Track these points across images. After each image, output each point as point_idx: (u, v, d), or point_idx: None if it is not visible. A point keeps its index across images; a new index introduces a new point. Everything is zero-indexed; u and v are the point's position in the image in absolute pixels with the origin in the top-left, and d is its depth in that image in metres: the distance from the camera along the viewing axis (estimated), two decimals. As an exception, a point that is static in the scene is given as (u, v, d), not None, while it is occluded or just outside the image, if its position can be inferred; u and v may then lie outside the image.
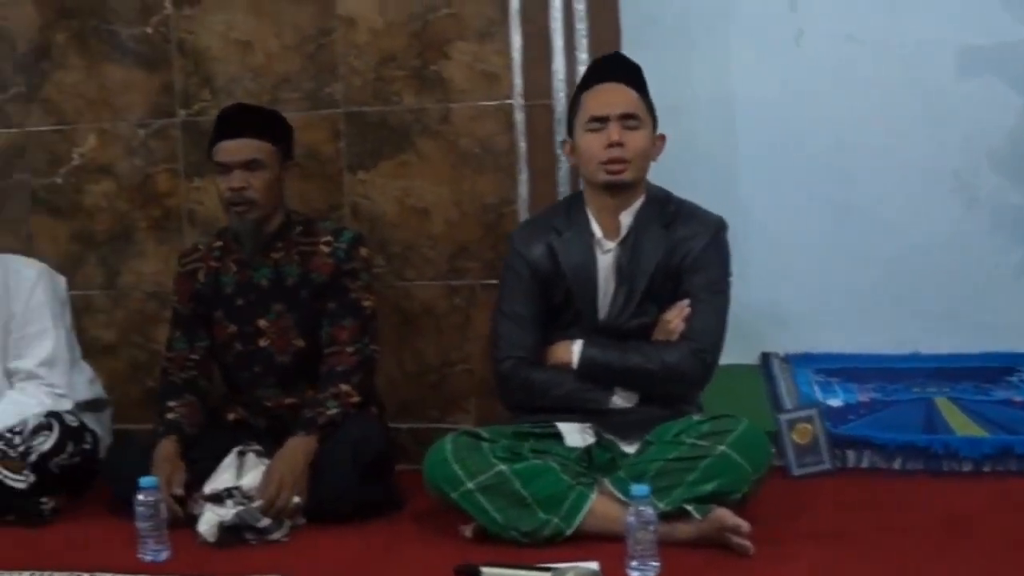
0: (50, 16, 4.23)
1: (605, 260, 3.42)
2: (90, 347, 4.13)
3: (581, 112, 3.41)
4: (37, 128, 4.28)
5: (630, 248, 3.38)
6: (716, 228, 3.42)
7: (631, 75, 3.43)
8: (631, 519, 2.85)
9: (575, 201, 3.52)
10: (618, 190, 3.38)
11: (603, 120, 3.35)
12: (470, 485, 3.16)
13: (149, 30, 4.14)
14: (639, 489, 2.88)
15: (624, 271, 3.38)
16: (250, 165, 3.55)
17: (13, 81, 4.28)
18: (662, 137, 3.46)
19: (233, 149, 3.56)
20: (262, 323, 3.68)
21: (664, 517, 2.98)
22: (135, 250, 4.25)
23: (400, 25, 3.94)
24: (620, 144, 3.33)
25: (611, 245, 3.41)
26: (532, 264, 3.45)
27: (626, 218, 3.40)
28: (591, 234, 3.42)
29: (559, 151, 3.79)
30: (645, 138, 3.38)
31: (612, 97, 3.38)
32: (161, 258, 4.21)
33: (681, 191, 3.52)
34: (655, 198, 3.44)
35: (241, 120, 3.62)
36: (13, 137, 4.30)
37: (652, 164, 3.45)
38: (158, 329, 4.21)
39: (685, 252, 3.37)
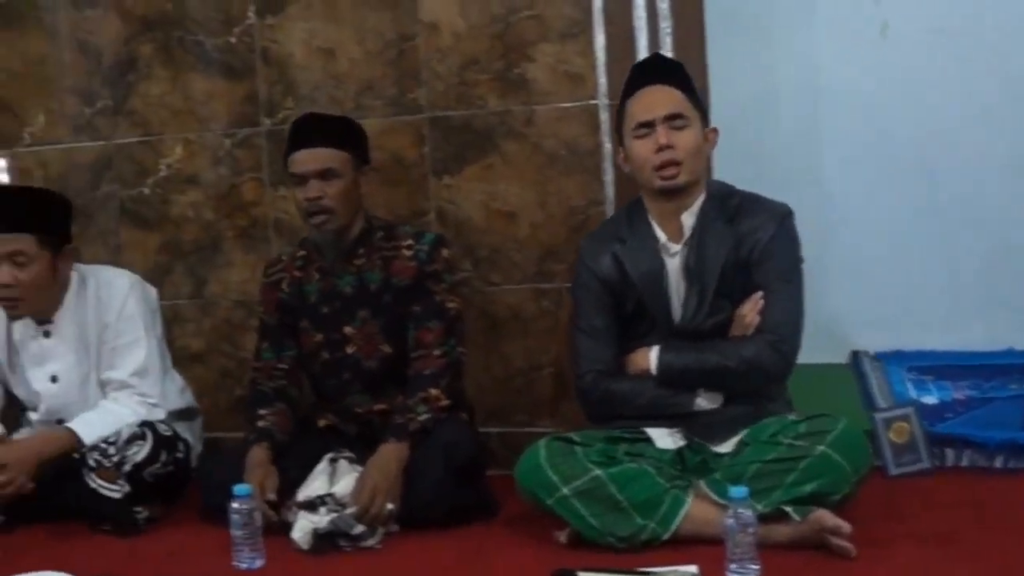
0: (135, 29, 4.27)
1: (673, 263, 3.37)
2: (179, 356, 4.16)
3: (627, 119, 3.37)
4: (124, 140, 4.32)
5: (696, 248, 3.33)
6: (782, 216, 3.35)
7: (673, 74, 3.38)
8: (730, 522, 2.81)
9: (636, 208, 3.46)
10: (675, 193, 3.33)
11: (649, 124, 3.30)
12: (565, 490, 3.13)
13: (233, 40, 4.16)
14: (737, 491, 2.84)
15: (693, 272, 3.33)
16: (325, 174, 3.55)
17: (100, 94, 4.33)
18: (714, 131, 3.41)
19: (307, 159, 3.56)
20: (348, 330, 3.68)
21: (762, 519, 2.93)
22: (222, 259, 4.28)
23: (482, 28, 3.93)
24: (670, 146, 3.27)
25: (676, 248, 3.36)
26: (600, 276, 3.42)
27: (688, 219, 3.35)
28: (655, 239, 3.37)
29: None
30: (695, 136, 3.32)
31: (655, 99, 3.33)
32: (248, 267, 4.23)
33: (764, 186, 3.45)
34: (716, 194, 3.38)
35: (313, 129, 3.62)
36: (101, 149, 4.35)
37: (716, 157, 3.44)
38: (246, 337, 4.24)
39: (752, 244, 3.31)
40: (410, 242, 3.65)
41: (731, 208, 3.36)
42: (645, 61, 3.52)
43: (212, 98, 4.22)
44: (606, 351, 3.42)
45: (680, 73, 3.39)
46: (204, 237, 4.29)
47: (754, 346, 3.26)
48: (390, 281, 3.64)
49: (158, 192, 4.31)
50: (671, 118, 3.29)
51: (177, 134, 4.27)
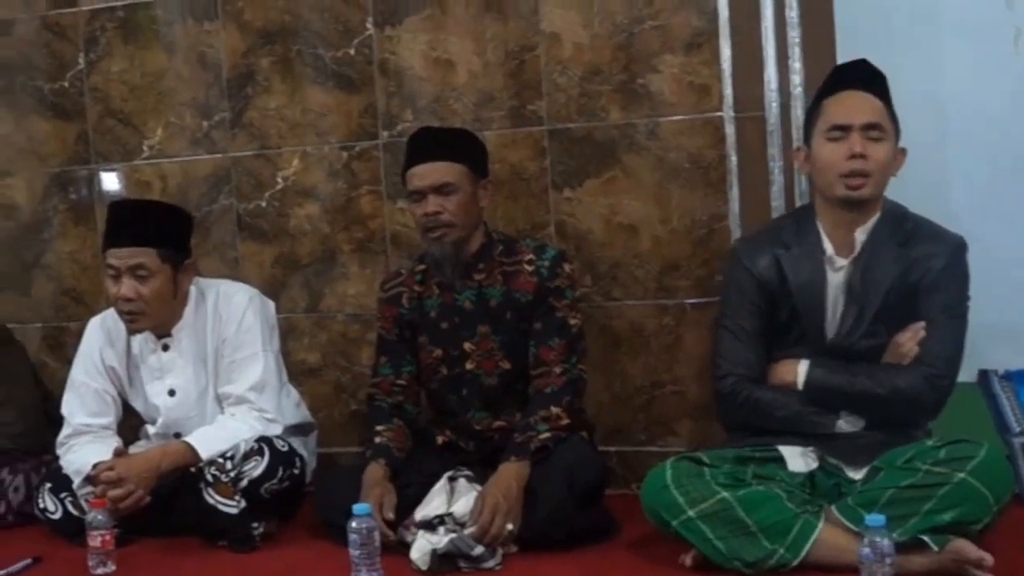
0: (253, 42, 4.27)
1: (835, 278, 3.26)
2: (294, 370, 4.14)
3: (821, 119, 3.25)
4: (242, 153, 4.32)
5: (863, 266, 3.22)
6: (956, 247, 3.23)
7: (877, 83, 3.27)
8: (866, 551, 2.70)
9: (805, 214, 3.36)
10: (854, 205, 3.22)
11: (845, 129, 3.19)
12: (691, 513, 3.04)
13: (351, 52, 4.14)
14: (874, 519, 2.73)
15: (856, 290, 3.22)
16: (442, 189, 3.50)
17: (218, 107, 4.34)
18: (903, 151, 3.28)
19: (424, 174, 3.52)
20: (467, 346, 3.62)
21: (897, 548, 2.81)
22: (338, 273, 4.25)
23: (605, 39, 3.87)
24: (862, 156, 3.16)
25: (843, 262, 3.25)
26: (757, 278, 3.31)
27: (861, 235, 3.23)
28: (822, 250, 3.26)
29: (773, 163, 3.67)
30: (888, 151, 3.21)
31: (857, 105, 3.22)
32: (364, 280, 4.20)
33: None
34: (891, 214, 3.27)
35: (430, 143, 3.58)
36: (218, 162, 4.35)
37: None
38: (361, 351, 4.21)
39: (923, 272, 3.19)
40: (531, 257, 3.59)
41: (904, 231, 3.25)
42: (851, 63, 3.38)
43: (330, 111, 4.20)
44: (750, 354, 3.32)
45: (883, 84, 3.29)
46: (320, 250, 4.27)
47: (910, 377, 3.16)
48: (511, 297, 3.58)
49: (275, 205, 4.29)
50: (869, 127, 3.19)
51: (294, 147, 4.25)
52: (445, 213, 3.50)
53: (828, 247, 3.26)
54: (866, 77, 3.28)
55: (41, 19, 4.57)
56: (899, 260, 3.20)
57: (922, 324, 3.18)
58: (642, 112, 3.86)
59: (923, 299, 3.20)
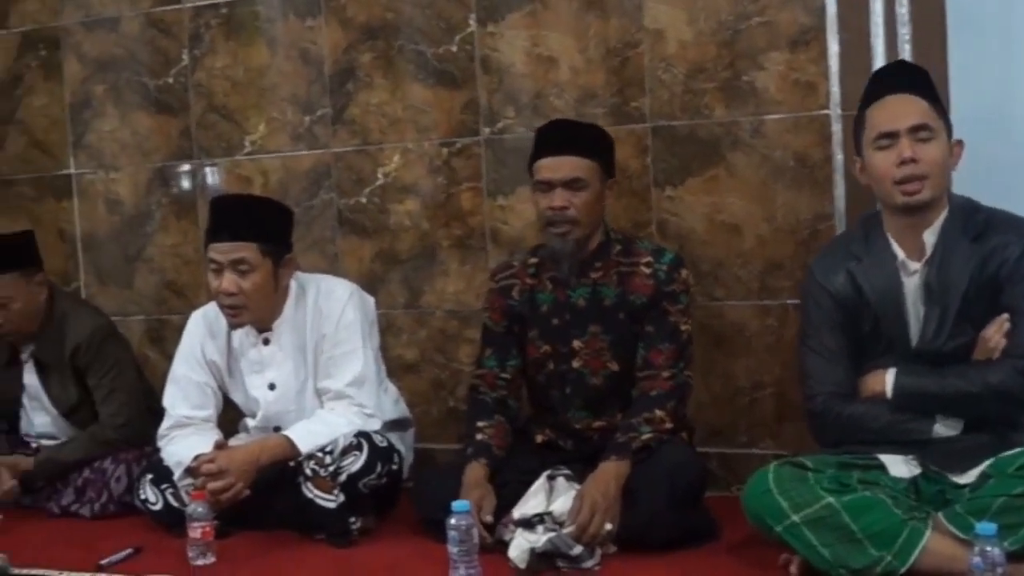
0: (355, 38, 4.28)
1: (911, 283, 3.17)
2: (392, 366, 4.13)
3: (867, 129, 3.17)
4: (342, 149, 4.33)
5: (937, 267, 3.12)
6: None
7: (918, 83, 3.18)
8: (976, 560, 2.62)
9: (872, 223, 3.27)
10: (917, 209, 3.13)
11: (892, 135, 3.10)
12: (795, 518, 2.98)
13: (453, 48, 4.13)
14: (985, 527, 2.64)
15: (934, 292, 3.14)
16: (572, 184, 3.47)
17: (320, 103, 4.35)
18: (959, 144, 3.18)
19: (556, 167, 3.48)
20: (576, 344, 3.59)
21: (1008, 557, 2.73)
22: (438, 269, 4.25)
23: (710, 35, 3.82)
24: (914, 160, 3.07)
25: (916, 266, 3.16)
26: (834, 294, 3.24)
27: (930, 236, 3.14)
28: (893, 256, 3.18)
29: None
30: (940, 149, 3.11)
31: (900, 109, 3.13)
32: (463, 277, 4.20)
33: (1002, 201, 3.24)
34: (960, 209, 3.17)
35: (564, 136, 3.54)
36: (320, 158, 4.37)
37: (954, 173, 3.21)
38: (460, 348, 4.22)
39: (1000, 262, 3.09)
40: (649, 259, 3.56)
41: (976, 225, 3.15)
42: (888, 67, 3.34)
43: (431, 107, 4.20)
44: (837, 372, 3.24)
45: (926, 81, 3.19)
46: (420, 246, 4.27)
47: (1000, 371, 3.05)
48: (626, 298, 3.55)
49: (375, 201, 4.30)
50: (916, 129, 3.10)
51: (395, 143, 4.26)
52: (572, 209, 3.47)
53: (899, 253, 3.18)
54: (906, 78, 3.19)
55: (146, 16, 4.62)
56: (973, 255, 3.10)
57: (1006, 316, 3.08)
58: (746, 110, 3.80)
59: (1005, 290, 3.09)
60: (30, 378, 4.26)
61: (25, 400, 4.30)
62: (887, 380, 3.15)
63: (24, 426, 4.35)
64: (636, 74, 3.92)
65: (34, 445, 4.29)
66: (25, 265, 4.14)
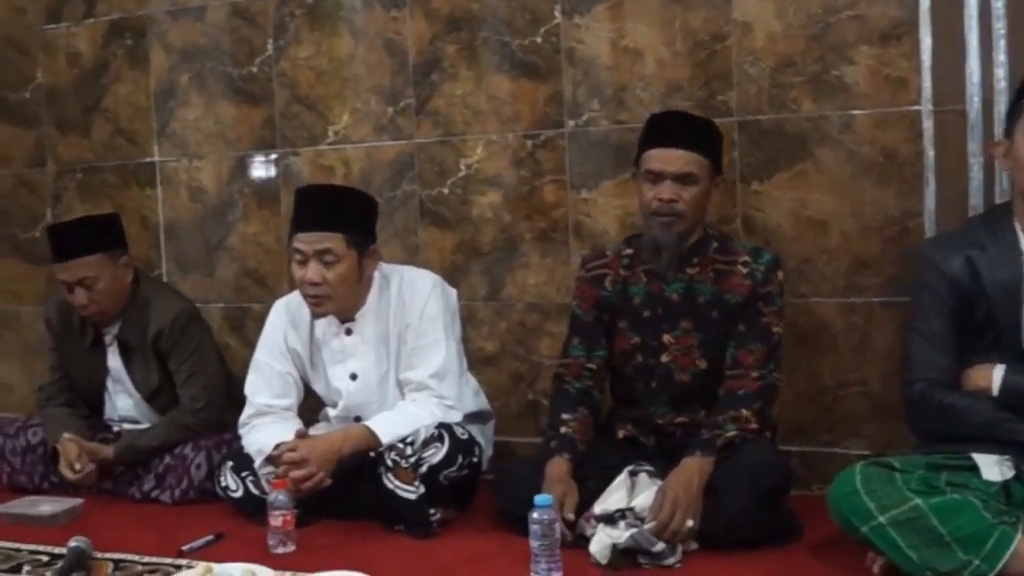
0: (440, 28, 4.27)
1: None
2: (472, 358, 4.13)
3: None
4: (426, 140, 4.32)
5: None
6: None
7: None
8: (1068, 567, 2.58)
9: (1000, 214, 3.20)
10: None
11: None
12: (882, 519, 2.93)
13: (538, 40, 4.11)
14: (1078, 534, 2.60)
15: None
16: (684, 178, 3.44)
17: (403, 94, 4.35)
18: None
19: (668, 159, 3.45)
20: (667, 338, 3.56)
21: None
22: (519, 261, 4.24)
23: (799, 28, 3.78)
24: None
25: (1042, 261, 3.10)
26: (950, 280, 3.16)
27: None
28: (1019, 250, 3.11)
29: (972, 160, 3.54)
30: None
31: None
32: (545, 270, 4.18)
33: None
34: None
35: (679, 129, 3.51)
36: (402, 148, 4.37)
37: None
38: (540, 341, 4.21)
39: None
40: (746, 259, 3.52)
41: None
42: None
43: (515, 99, 4.18)
44: (942, 359, 3.17)
45: None
46: (502, 239, 4.26)
47: None
48: (721, 296, 3.52)
49: (457, 192, 4.30)
50: None
51: (478, 135, 4.25)
52: (680, 203, 3.44)
53: None
54: None
55: (231, 6, 4.65)
56: None
57: None
58: (835, 104, 3.75)
59: None
60: (114, 361, 4.31)
61: (109, 383, 4.34)
62: (994, 376, 3.09)
63: (108, 410, 4.40)
64: (723, 67, 3.88)
65: (116, 429, 4.34)
66: (111, 247, 4.18)
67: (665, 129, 3.52)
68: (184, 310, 4.26)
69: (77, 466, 4.05)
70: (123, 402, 4.35)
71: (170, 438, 4.12)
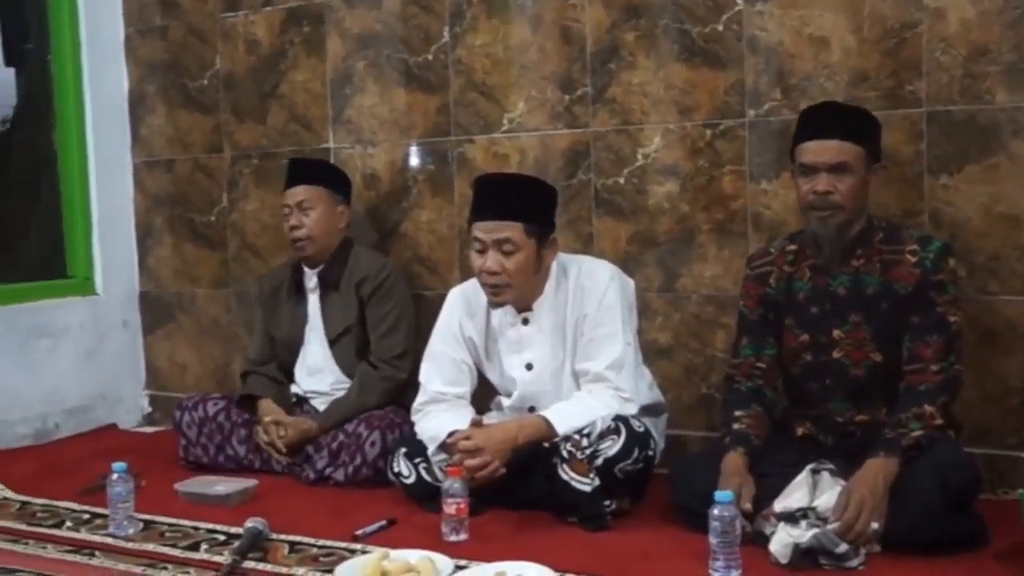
0: (619, 16, 4.23)
1: None
2: (646, 350, 4.07)
3: None
4: (602, 129, 4.28)
5: None
6: None
7: None
8: None
9: None
10: None
11: None
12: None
13: (719, 28, 4.04)
14: None
15: None
16: (837, 168, 3.36)
17: (580, 82, 4.32)
18: None
19: (820, 150, 3.38)
20: (836, 333, 3.48)
21: None
22: (695, 253, 4.18)
23: (995, 15, 3.64)
24: None
25: None
26: None
27: None
28: None
29: None
30: None
31: None
32: (722, 262, 4.12)
33: None
34: None
35: (829, 119, 3.43)
36: (578, 137, 4.34)
37: None
38: (715, 334, 4.15)
39: None
40: (914, 247, 3.41)
41: None
42: None
43: (694, 87, 4.12)
44: None
45: None
46: (678, 229, 4.20)
47: None
48: (890, 287, 3.42)
49: (633, 182, 4.25)
50: None
51: (656, 124, 4.19)
52: (836, 194, 3.36)
53: None
54: None
55: (408, -7, 4.67)
56: None
57: None
58: (1033, 95, 3.62)
59: None
60: (312, 307, 4.51)
61: (307, 332, 4.52)
62: None
63: (298, 370, 4.56)
64: (912, 56, 3.76)
65: (306, 407, 4.50)
66: (333, 188, 4.49)
67: (816, 121, 3.45)
68: (391, 264, 4.50)
69: (281, 432, 4.25)
70: (313, 352, 4.51)
71: (364, 391, 4.28)
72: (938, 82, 3.74)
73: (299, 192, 4.42)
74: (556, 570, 3.05)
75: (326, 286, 4.44)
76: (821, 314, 3.50)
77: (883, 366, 3.44)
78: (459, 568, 3.15)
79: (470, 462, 3.52)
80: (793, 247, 3.59)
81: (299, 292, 4.52)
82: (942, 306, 3.38)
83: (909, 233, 3.48)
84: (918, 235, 3.47)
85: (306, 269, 4.50)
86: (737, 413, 3.52)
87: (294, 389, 4.54)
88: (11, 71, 5.64)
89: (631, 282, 3.85)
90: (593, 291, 3.72)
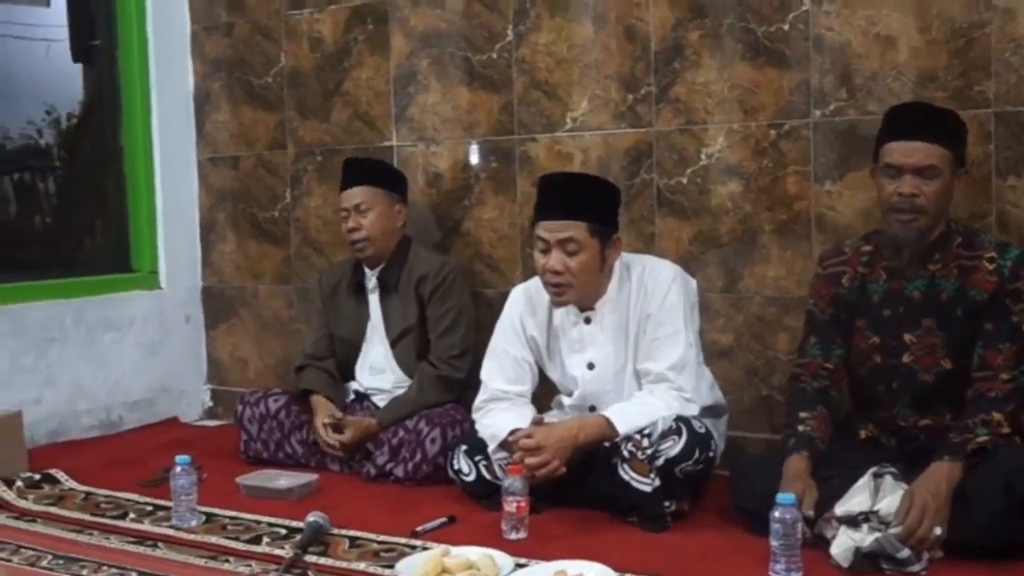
0: (684, 15, 4.21)
1: None
2: (707, 350, 4.04)
3: None
4: (666, 128, 4.27)
5: None
6: None
7: None
8: None
9: None
10: None
11: None
12: None
13: (785, 27, 4.01)
14: None
15: None
16: (924, 171, 3.32)
17: (644, 81, 4.30)
18: None
19: (908, 152, 3.33)
20: (908, 337, 3.44)
21: None
22: (758, 254, 4.15)
23: (1067, 15, 3.60)
24: None
25: None
26: None
27: None
28: None
29: None
30: None
31: None
32: (784, 263, 4.09)
33: None
34: None
35: (919, 121, 3.39)
36: (641, 136, 4.32)
37: None
38: (777, 336, 4.12)
39: None
40: (992, 254, 3.37)
41: None
42: None
43: (759, 87, 4.09)
44: None
45: None
46: (741, 230, 4.17)
47: None
48: (966, 293, 3.38)
49: (696, 182, 4.23)
50: None
51: (720, 123, 4.17)
52: (921, 197, 3.32)
53: None
54: None
55: (475, -8, 4.68)
56: None
57: None
58: (1103, 97, 3.57)
59: None
60: (373, 307, 4.53)
61: (368, 330, 4.55)
62: None
63: (359, 368, 4.60)
64: (981, 56, 3.71)
65: (366, 404, 4.52)
66: (390, 188, 4.51)
67: (905, 121, 3.40)
68: (451, 262, 4.52)
69: (337, 436, 4.25)
70: (375, 351, 4.54)
71: (423, 389, 4.30)
72: (1007, 83, 3.69)
73: (356, 194, 4.44)
74: (615, 570, 3.05)
75: (386, 287, 4.47)
76: (894, 317, 3.47)
77: (952, 373, 3.40)
78: (519, 566, 3.15)
79: (531, 460, 3.52)
80: (868, 248, 3.55)
81: (359, 292, 4.54)
82: (1017, 315, 3.34)
83: (987, 239, 3.44)
84: (996, 242, 3.44)
85: (366, 269, 4.52)
86: (802, 414, 3.49)
87: (355, 386, 4.57)
88: (79, 67, 5.72)
89: (693, 282, 3.84)
90: (656, 291, 3.71)
